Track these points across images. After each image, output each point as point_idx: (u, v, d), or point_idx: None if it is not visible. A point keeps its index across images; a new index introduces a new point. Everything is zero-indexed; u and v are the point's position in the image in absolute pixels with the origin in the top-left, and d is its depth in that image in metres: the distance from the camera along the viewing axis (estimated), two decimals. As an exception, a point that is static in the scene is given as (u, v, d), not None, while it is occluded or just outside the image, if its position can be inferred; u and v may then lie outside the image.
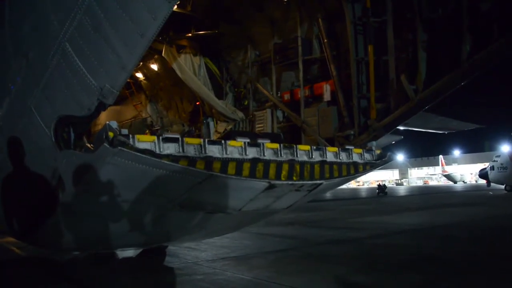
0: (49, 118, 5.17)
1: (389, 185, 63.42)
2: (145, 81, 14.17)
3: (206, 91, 10.78)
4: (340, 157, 6.57)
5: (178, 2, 4.03)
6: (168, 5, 3.85)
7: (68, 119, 5.03)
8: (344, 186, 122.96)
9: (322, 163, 6.28)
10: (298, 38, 9.29)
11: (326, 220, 18.35)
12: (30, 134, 5.64)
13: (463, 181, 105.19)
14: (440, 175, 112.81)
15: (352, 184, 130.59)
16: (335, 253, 9.73)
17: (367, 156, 7.07)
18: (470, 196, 37.73)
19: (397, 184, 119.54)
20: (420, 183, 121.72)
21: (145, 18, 4.01)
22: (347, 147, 6.88)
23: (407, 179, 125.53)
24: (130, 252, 7.94)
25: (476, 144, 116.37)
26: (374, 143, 7.56)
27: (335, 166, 6.47)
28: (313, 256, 9.45)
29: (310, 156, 6.16)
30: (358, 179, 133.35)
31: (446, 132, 19.26)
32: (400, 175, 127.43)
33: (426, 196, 43.80)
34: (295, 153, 5.99)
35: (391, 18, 7.85)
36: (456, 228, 14.26)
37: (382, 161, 7.32)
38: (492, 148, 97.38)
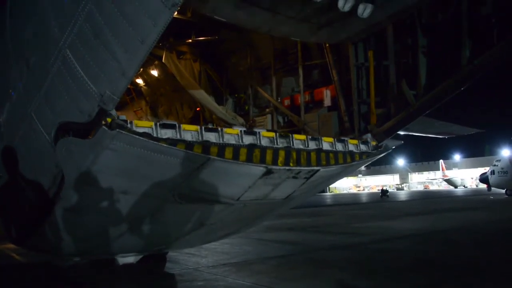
0: (49, 124, 5.18)
1: (389, 190, 65.87)
2: (145, 87, 14.19)
3: (206, 97, 10.79)
4: (336, 147, 6.70)
5: (179, 9, 4.01)
6: (169, 12, 3.85)
7: (69, 125, 5.04)
8: (344, 191, 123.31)
9: (318, 151, 6.41)
10: (298, 43, 9.30)
11: (327, 225, 18.31)
12: (31, 140, 5.64)
13: (464, 186, 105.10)
14: (441, 180, 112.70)
15: (352, 189, 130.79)
16: (336, 258, 9.70)
17: (362, 147, 7.19)
18: (470, 201, 37.67)
19: (398, 189, 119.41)
20: (420, 187, 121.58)
21: (145, 24, 4.02)
22: (342, 138, 6.95)
23: (407, 184, 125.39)
24: (130, 258, 7.93)
25: (477, 149, 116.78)
26: (369, 135, 7.62)
27: (331, 154, 6.60)
28: (314, 261, 9.42)
29: (306, 145, 6.27)
30: (359, 184, 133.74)
31: (446, 137, 19.26)
32: (400, 180, 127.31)
33: (426, 200, 43.71)
34: (291, 142, 6.11)
35: (391, 24, 7.85)
36: (457, 233, 14.23)
37: (378, 151, 7.45)
38: (492, 152, 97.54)
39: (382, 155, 7.61)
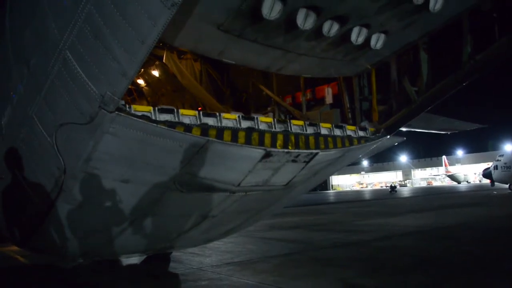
0: (50, 126, 5.17)
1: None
2: (146, 87, 14.18)
3: (207, 96, 10.78)
4: (334, 133, 6.80)
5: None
6: (168, 11, 3.83)
7: (70, 126, 5.04)
8: (347, 189, 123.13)
9: (317, 135, 6.48)
10: None
11: (330, 223, 18.31)
12: (32, 142, 5.64)
13: (467, 181, 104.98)
14: (444, 176, 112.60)
15: (355, 186, 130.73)
16: (340, 256, 9.70)
17: (361, 133, 7.27)
18: (474, 197, 37.61)
19: (401, 185, 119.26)
20: (423, 184, 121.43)
21: (145, 24, 4.00)
22: (340, 124, 7.01)
23: (410, 180, 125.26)
24: (134, 259, 7.92)
25: (479, 144, 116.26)
26: (366, 122, 7.66)
27: (329, 139, 6.68)
28: (318, 260, 9.42)
29: (305, 130, 6.36)
30: (362, 181, 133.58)
31: (449, 133, 19.21)
32: (403, 177, 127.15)
33: (429, 197, 43.68)
34: (289, 126, 6.19)
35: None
36: (461, 229, 14.22)
37: (376, 136, 7.51)
38: (495, 147, 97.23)
39: (380, 140, 7.65)
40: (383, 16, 6.01)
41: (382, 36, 6.48)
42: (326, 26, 5.87)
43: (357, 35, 6.21)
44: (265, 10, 5.21)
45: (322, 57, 7.03)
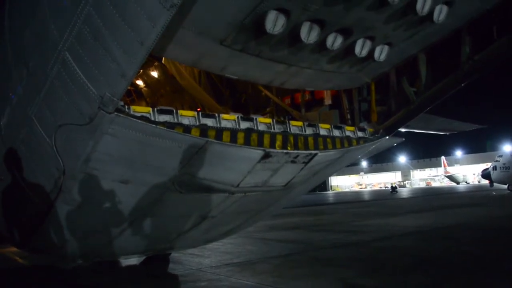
0: (49, 127, 5.18)
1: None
2: (145, 88, 14.17)
3: (206, 97, 10.78)
4: (333, 133, 6.80)
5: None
6: (167, 13, 3.84)
7: (69, 127, 5.04)
8: (346, 189, 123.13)
9: (316, 136, 6.47)
10: None
11: (330, 224, 18.31)
12: (31, 143, 5.64)
13: (466, 182, 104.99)
14: (443, 176, 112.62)
15: (355, 187, 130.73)
16: (340, 257, 9.70)
17: (360, 134, 7.28)
18: (473, 197, 37.62)
19: (400, 186, 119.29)
20: (422, 184, 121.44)
21: (144, 26, 4.00)
22: (339, 125, 7.04)
23: (409, 181, 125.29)
24: (133, 260, 7.92)
25: (478, 145, 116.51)
26: (366, 122, 7.66)
27: (328, 139, 6.66)
28: (317, 260, 9.42)
29: (303, 131, 6.36)
30: (361, 182, 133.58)
31: (447, 133, 19.23)
32: (402, 177, 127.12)
33: (429, 197, 43.67)
34: (288, 127, 6.19)
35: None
36: (460, 230, 14.22)
37: (375, 137, 7.52)
38: (494, 148, 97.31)
39: (379, 141, 7.65)
40: (387, 27, 5.97)
41: (386, 48, 6.44)
42: (330, 39, 5.78)
43: (361, 48, 6.16)
44: (269, 25, 5.10)
45: (325, 70, 7.00)
